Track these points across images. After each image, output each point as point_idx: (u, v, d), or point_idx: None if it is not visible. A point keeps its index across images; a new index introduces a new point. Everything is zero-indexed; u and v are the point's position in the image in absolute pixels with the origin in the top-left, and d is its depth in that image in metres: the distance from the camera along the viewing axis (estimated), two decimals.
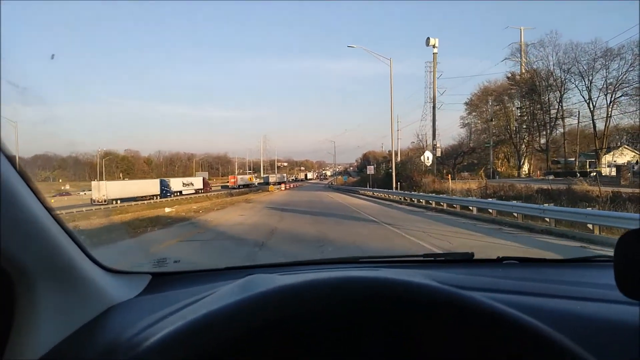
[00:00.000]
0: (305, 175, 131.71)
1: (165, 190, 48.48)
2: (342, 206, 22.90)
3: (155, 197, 45.57)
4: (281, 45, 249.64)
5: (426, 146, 49.95)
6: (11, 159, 0.70)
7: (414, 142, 68.05)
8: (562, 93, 38.57)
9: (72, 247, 0.88)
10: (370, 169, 45.48)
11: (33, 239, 0.75)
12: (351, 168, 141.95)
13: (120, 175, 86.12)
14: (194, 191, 53.77)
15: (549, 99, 39.10)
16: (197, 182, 57.16)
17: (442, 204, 19.74)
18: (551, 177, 32.29)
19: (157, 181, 49.70)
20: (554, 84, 38.35)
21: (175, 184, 53.14)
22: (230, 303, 0.54)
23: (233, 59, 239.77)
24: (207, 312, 0.53)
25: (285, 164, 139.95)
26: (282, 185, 63.79)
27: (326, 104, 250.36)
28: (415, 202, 23.83)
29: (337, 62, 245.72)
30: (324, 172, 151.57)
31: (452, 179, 31.58)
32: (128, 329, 0.82)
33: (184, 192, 51.27)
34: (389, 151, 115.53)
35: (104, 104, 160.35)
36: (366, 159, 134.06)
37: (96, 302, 0.96)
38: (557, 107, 39.13)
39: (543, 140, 41.69)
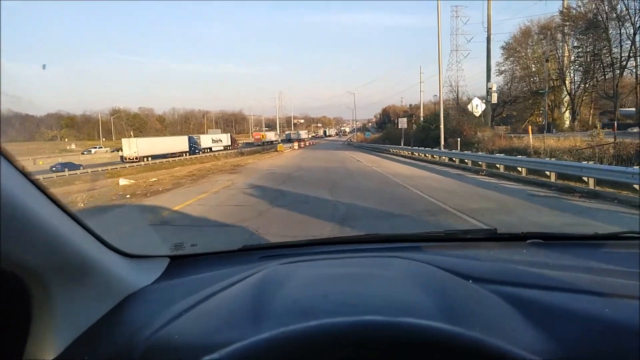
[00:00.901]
0: (325, 132, 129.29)
1: (193, 147, 47.45)
2: (382, 178, 14.27)
3: (184, 154, 44.66)
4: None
5: (457, 97, 46.83)
6: (4, 152, 0.65)
7: (436, 96, 65.15)
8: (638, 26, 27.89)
9: (82, 237, 0.84)
10: (403, 122, 37.48)
11: (38, 238, 0.70)
12: (369, 124, 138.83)
13: (131, 134, 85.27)
14: (222, 148, 52.97)
15: (620, 33, 31.53)
16: (225, 139, 56.50)
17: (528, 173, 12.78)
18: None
19: (185, 138, 48.67)
20: (625, 14, 30.66)
21: (205, 140, 52.70)
22: (250, 347, 0.54)
23: (248, 14, 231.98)
24: (229, 353, 0.53)
25: (302, 121, 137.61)
26: (295, 144, 56.14)
27: (342, 59, 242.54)
28: (474, 166, 16.81)
29: (353, 13, 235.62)
30: (342, 128, 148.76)
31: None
32: (147, 323, 0.82)
33: (213, 149, 50.33)
34: (410, 105, 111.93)
35: (119, 63, 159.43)
36: (386, 114, 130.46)
37: (114, 291, 0.94)
38: (626, 44, 31.23)
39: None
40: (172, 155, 42.26)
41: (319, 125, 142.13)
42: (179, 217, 8.22)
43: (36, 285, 0.74)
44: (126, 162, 37.81)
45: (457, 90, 50.88)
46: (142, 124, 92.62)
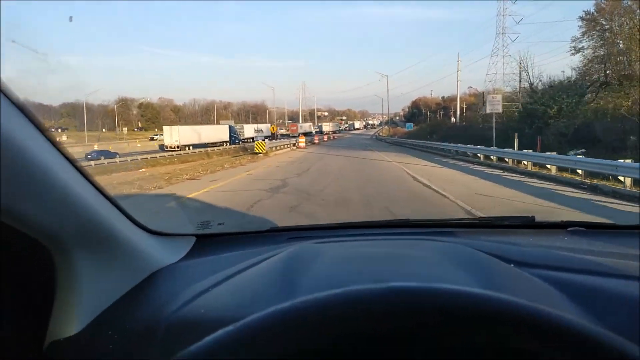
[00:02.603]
0: (352, 125, 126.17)
1: (234, 137, 45.00)
2: None
3: (225, 144, 42.25)
4: None
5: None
6: (34, 120, 0.64)
7: (471, 88, 60.31)
8: None
9: (110, 211, 0.84)
10: (495, 102, 23.62)
11: (66, 208, 0.70)
12: (397, 117, 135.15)
13: (139, 124, 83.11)
14: (263, 137, 50.97)
15: None
16: (266, 129, 55.00)
17: None
18: None
19: (226, 127, 46.38)
20: None
21: (248, 130, 51.70)
22: (266, 318, 0.47)
23: (273, 8, 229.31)
24: (245, 324, 0.46)
25: (326, 114, 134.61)
26: (315, 138, 44.99)
27: (368, 52, 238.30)
28: None
29: (381, 6, 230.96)
30: (370, 122, 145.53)
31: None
32: (170, 299, 0.81)
33: (255, 138, 48.13)
34: (443, 97, 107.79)
35: (144, 54, 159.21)
36: (416, 106, 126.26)
37: (139, 267, 0.94)
38: None
39: None
40: (213, 144, 39.83)
41: (344, 118, 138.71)
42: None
43: (62, 257, 0.74)
44: (166, 150, 35.56)
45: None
46: (154, 114, 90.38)
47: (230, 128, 46.91)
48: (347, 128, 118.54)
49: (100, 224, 0.79)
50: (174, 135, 38.09)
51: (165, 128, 40.34)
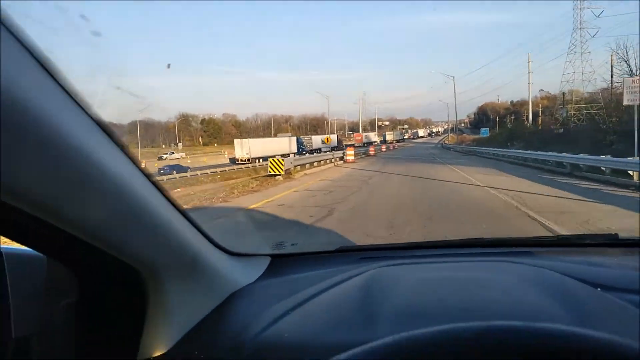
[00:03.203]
0: (416, 133, 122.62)
1: (301, 148, 44.79)
2: None
3: (292, 155, 42.09)
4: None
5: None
6: (123, 147, 0.65)
7: (542, 91, 55.09)
8: None
9: (195, 236, 0.88)
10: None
11: (159, 236, 0.74)
12: (462, 124, 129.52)
13: (200, 140, 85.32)
14: (330, 148, 50.65)
15: None
16: (334, 140, 54.63)
17: None
18: None
19: (293, 139, 46.37)
20: None
21: (316, 141, 51.79)
22: (372, 351, 0.48)
23: (335, 20, 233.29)
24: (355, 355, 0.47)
25: (387, 123, 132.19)
26: (371, 149, 37.86)
27: (429, 57, 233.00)
28: None
29: (443, 14, 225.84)
30: (435, 130, 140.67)
31: None
32: (251, 320, 0.84)
33: (322, 150, 47.71)
34: (512, 101, 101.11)
35: (211, 73, 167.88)
36: (482, 112, 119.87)
37: (221, 288, 0.96)
38: None
39: None
40: (282, 156, 39.83)
41: (406, 126, 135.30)
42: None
43: (152, 280, 0.76)
44: (237, 163, 35.92)
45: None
46: (216, 129, 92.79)
47: (298, 139, 46.86)
48: (411, 136, 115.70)
49: (186, 247, 0.81)
50: (244, 148, 38.59)
51: (236, 141, 41.08)
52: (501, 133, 47.77)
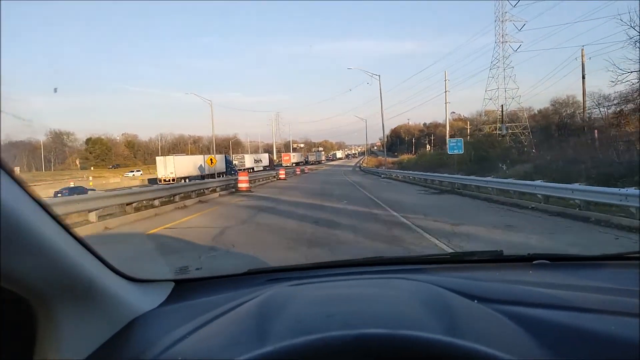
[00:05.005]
0: (334, 155, 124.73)
1: (230, 168, 41.34)
2: None
3: (222, 175, 38.56)
4: (283, 30, 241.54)
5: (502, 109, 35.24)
6: (5, 167, 0.62)
7: (454, 113, 58.28)
8: None
9: (90, 261, 0.85)
10: None
11: (47, 260, 0.70)
12: (375, 147, 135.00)
13: (77, 163, 77.30)
14: (262, 168, 47.83)
15: None
16: (265, 159, 51.92)
17: None
18: None
19: (222, 157, 42.47)
20: None
21: (248, 160, 48.61)
22: None
23: (240, 45, 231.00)
24: None
25: (302, 145, 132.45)
26: (281, 172, 34.02)
27: (336, 84, 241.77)
28: None
29: (346, 42, 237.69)
30: (352, 152, 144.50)
31: None
32: (151, 346, 0.83)
33: (255, 169, 44.68)
34: (425, 123, 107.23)
35: (108, 91, 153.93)
36: (396, 135, 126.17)
37: (119, 315, 0.94)
38: None
39: None
40: (210, 176, 36.04)
41: (321, 149, 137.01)
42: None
43: (42, 308, 0.73)
44: (160, 184, 31.39)
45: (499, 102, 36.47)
46: (103, 150, 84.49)
47: (226, 158, 43.19)
48: (330, 157, 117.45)
49: (79, 273, 0.79)
50: (168, 166, 33.99)
51: (158, 159, 36.08)
52: (437, 155, 42.71)
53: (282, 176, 33.00)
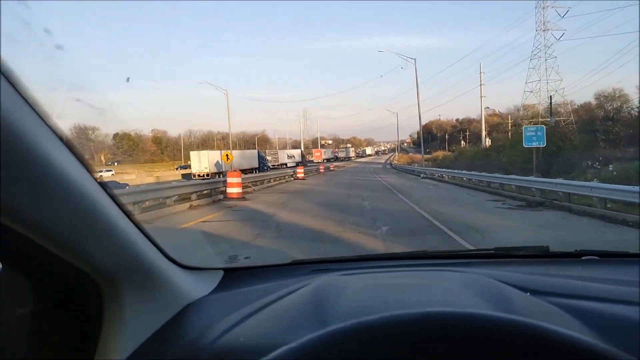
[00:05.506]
0: (363, 151, 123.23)
1: (262, 164, 40.64)
2: None
3: (254, 170, 37.88)
4: (311, 28, 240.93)
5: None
6: (83, 160, 0.67)
7: (488, 108, 55.13)
8: None
9: (149, 247, 0.90)
10: None
11: (116, 244, 0.76)
12: (405, 144, 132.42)
13: (102, 158, 78.32)
14: (295, 164, 47.12)
15: None
16: (297, 155, 51.39)
17: None
18: None
19: (254, 153, 41.87)
20: None
21: (282, 156, 49.41)
22: (305, 342, 0.52)
23: (273, 40, 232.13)
24: (284, 351, 0.51)
25: (330, 142, 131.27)
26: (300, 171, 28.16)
27: (367, 80, 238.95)
28: None
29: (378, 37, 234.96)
30: (382, 149, 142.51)
31: None
32: (207, 329, 0.86)
33: (288, 165, 43.95)
34: (457, 119, 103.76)
35: (139, 88, 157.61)
36: (427, 131, 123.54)
37: (175, 301, 0.98)
38: None
39: None
40: (243, 171, 35.38)
41: (349, 145, 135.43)
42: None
43: (109, 290, 0.78)
44: (194, 179, 30.92)
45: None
46: (131, 145, 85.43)
47: (259, 154, 42.53)
48: (359, 154, 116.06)
49: (142, 259, 0.84)
50: (202, 162, 33.52)
51: (192, 154, 35.79)
52: (483, 151, 38.62)
53: (301, 175, 27.03)
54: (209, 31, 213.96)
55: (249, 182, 18.38)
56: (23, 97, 0.53)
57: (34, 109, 0.55)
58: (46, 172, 0.56)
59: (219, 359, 0.75)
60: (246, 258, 5.27)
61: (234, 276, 1.27)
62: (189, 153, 38.80)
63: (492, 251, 1.52)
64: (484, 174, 18.68)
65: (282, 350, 0.50)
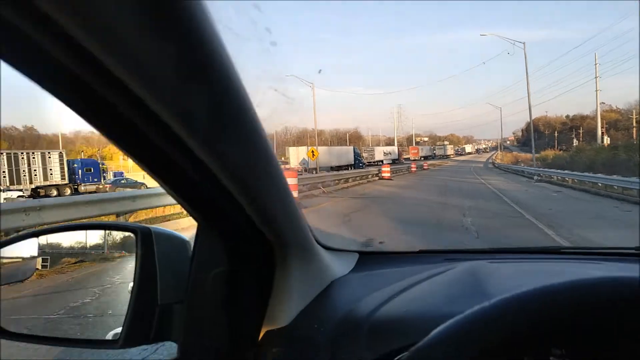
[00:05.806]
0: (463, 149, 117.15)
1: (357, 160, 40.55)
2: None
3: (349, 167, 37.86)
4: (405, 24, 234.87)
5: None
6: (268, 142, 0.70)
7: (603, 104, 47.77)
8: None
9: (304, 226, 0.95)
10: None
11: (290, 216, 0.82)
12: (507, 142, 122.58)
13: None
14: (391, 161, 46.62)
15: None
16: (394, 152, 50.81)
17: None
18: None
19: (350, 149, 41.99)
20: None
21: (378, 152, 49.53)
22: (496, 302, 0.52)
23: (375, 36, 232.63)
24: (473, 313, 0.51)
25: (426, 139, 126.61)
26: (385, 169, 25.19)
27: (468, 68, 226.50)
28: None
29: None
30: (482, 147, 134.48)
31: None
32: (357, 303, 0.89)
33: (384, 162, 43.54)
34: (567, 116, 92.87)
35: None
36: (534, 128, 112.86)
37: (325, 275, 1.05)
38: None
39: None
40: (338, 167, 35.60)
41: (446, 142, 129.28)
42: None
43: (281, 257, 0.86)
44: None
45: None
46: None
47: (354, 150, 42.55)
48: (459, 151, 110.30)
49: (305, 235, 0.91)
50: (301, 157, 34.51)
51: (291, 149, 37.09)
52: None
53: (387, 175, 23.80)
54: (304, 29, 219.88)
55: (319, 183, 16.93)
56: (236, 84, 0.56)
57: (245, 99, 0.59)
58: (260, 151, 0.62)
59: (385, 327, 0.79)
60: (380, 242, 5.86)
61: (368, 259, 1.33)
62: (283, 149, 40.28)
63: (634, 250, 1.42)
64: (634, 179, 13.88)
65: (475, 310, 0.50)
